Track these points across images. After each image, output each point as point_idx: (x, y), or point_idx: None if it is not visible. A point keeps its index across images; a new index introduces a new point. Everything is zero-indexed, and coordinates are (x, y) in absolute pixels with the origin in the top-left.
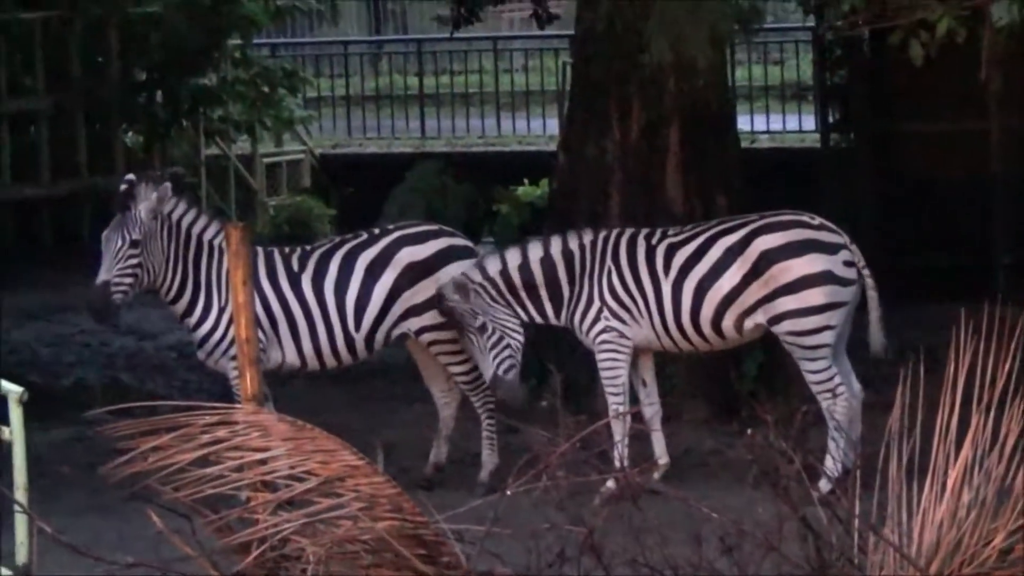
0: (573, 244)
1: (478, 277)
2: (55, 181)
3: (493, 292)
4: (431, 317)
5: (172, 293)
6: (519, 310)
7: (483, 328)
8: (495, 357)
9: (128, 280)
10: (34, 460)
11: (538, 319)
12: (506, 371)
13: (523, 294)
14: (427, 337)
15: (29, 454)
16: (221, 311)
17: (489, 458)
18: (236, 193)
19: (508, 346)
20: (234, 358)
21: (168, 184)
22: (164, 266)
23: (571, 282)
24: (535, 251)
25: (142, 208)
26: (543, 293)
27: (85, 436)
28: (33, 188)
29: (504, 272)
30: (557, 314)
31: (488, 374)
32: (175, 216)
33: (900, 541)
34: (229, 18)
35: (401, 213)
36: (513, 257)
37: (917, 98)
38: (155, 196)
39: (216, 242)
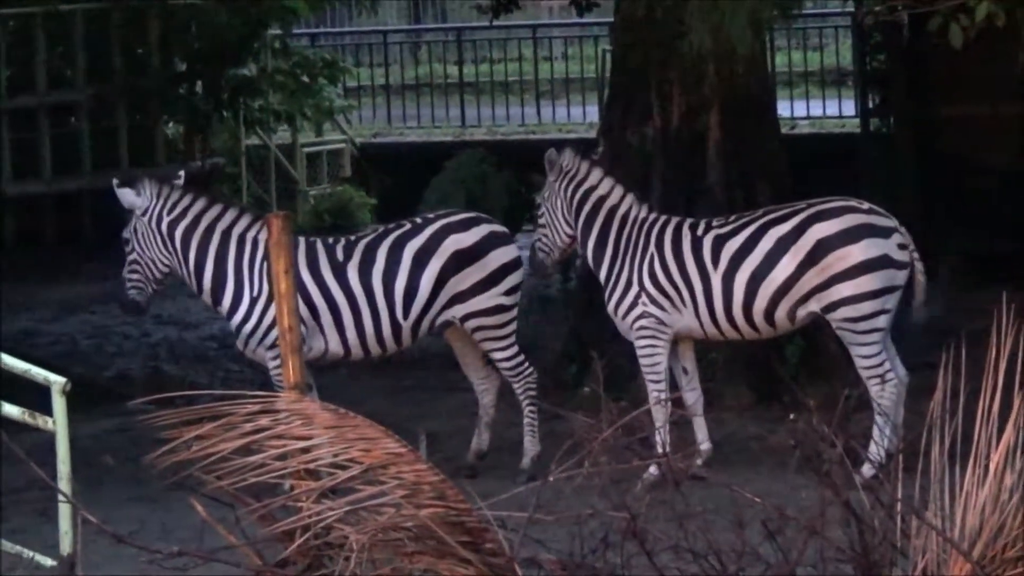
0: (634, 211)
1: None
2: (96, 173)
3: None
4: (476, 303)
5: (194, 284)
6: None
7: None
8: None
9: (133, 276)
10: (77, 450)
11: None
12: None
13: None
14: (472, 323)
15: (72, 444)
16: (253, 301)
17: (531, 445)
18: (277, 183)
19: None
20: (271, 347)
21: (115, 180)
22: (176, 258)
23: (616, 244)
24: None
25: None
26: (593, 233)
27: (128, 426)
28: (74, 180)
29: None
30: (597, 264)
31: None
32: (180, 207)
33: (943, 525)
34: (269, 8)
35: (441, 202)
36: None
37: (957, 83)
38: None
39: (250, 235)
